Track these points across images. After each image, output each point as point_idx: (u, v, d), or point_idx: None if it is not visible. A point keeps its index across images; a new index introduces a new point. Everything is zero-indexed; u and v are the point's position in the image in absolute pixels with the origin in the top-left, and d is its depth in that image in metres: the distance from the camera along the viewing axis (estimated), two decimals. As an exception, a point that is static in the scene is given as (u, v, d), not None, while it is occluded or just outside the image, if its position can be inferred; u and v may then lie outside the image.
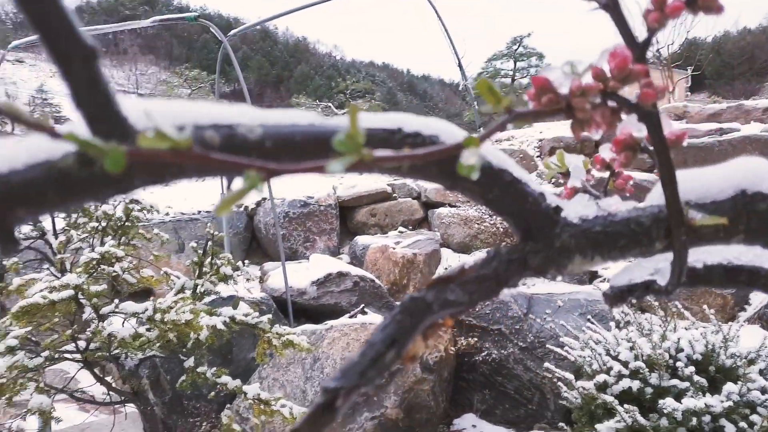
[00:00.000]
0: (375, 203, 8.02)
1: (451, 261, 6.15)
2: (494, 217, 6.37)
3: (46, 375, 3.71)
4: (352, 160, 0.37)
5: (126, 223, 2.96)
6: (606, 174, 0.86)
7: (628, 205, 0.64)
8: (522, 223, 0.57)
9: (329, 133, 0.48)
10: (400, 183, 8.28)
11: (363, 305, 4.85)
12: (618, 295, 0.68)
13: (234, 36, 6.70)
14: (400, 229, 7.51)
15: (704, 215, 0.55)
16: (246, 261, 4.00)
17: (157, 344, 2.61)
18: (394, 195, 8.29)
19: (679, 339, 3.40)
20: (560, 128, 10.90)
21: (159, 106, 0.39)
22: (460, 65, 6.00)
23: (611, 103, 0.53)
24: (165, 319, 2.53)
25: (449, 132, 0.54)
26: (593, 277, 5.36)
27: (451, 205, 7.33)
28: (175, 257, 5.71)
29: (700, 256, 0.69)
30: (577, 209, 0.60)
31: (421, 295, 0.50)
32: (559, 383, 3.67)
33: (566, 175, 0.84)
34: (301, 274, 5.22)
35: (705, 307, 4.09)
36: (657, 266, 0.69)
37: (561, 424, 3.84)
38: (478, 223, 6.38)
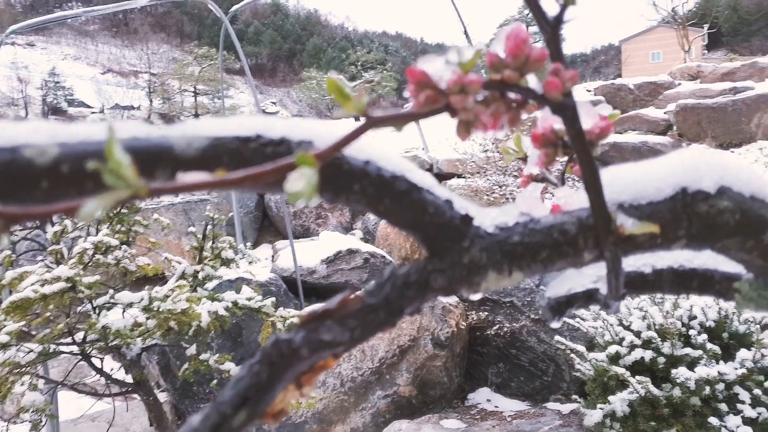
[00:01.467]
0: (387, 177, 7.90)
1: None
2: (504, 187, 6.25)
3: (57, 366, 3.74)
4: (117, 198, 0.30)
5: (122, 210, 2.93)
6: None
7: (582, 197, 0.56)
8: (425, 237, 0.50)
9: (155, 148, 0.40)
10: (412, 155, 8.17)
11: (373, 282, 4.81)
12: (555, 308, 0.60)
13: (236, 12, 6.59)
14: (413, 202, 7.42)
15: (635, 222, 0.47)
16: (248, 243, 3.97)
17: (158, 333, 2.59)
18: (406, 168, 8.16)
19: (691, 306, 3.31)
20: (575, 92, 10.56)
21: None
22: (465, 33, 5.83)
23: (513, 96, 0.45)
24: (161, 309, 2.50)
25: (328, 136, 0.47)
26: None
27: (459, 176, 7.22)
28: (185, 239, 5.71)
29: (650, 259, 0.61)
30: (494, 216, 0.52)
31: (289, 337, 0.43)
32: (572, 355, 3.61)
33: (525, 160, 0.76)
34: (311, 253, 5.18)
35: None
36: (600, 272, 0.61)
37: (575, 396, 3.79)
38: (487, 195, 6.27)
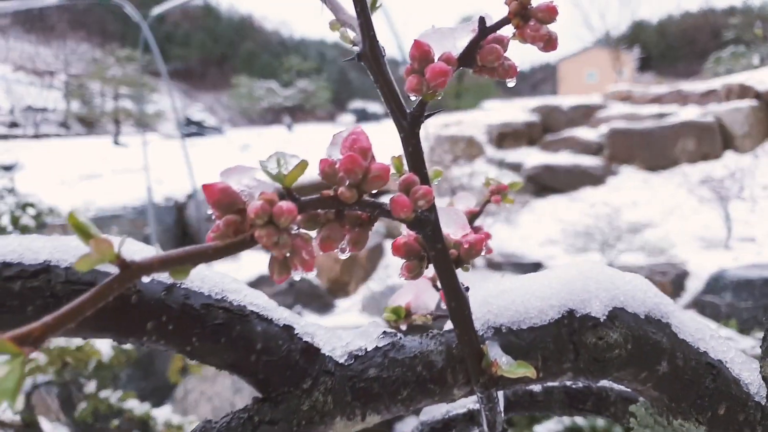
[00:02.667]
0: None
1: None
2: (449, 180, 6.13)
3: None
4: None
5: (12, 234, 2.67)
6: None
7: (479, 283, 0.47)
8: (254, 380, 0.39)
9: None
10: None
11: (299, 307, 4.67)
12: (429, 435, 0.51)
13: (160, 15, 6.32)
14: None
15: (510, 360, 0.39)
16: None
17: (52, 369, 2.37)
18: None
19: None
20: (510, 111, 10.71)
21: None
22: (399, 47, 5.81)
23: (357, 211, 0.35)
24: (52, 346, 2.29)
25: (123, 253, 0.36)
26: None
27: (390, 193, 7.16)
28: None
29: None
30: (349, 341, 0.43)
31: None
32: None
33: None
34: (232, 276, 4.95)
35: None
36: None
37: (505, 426, 3.78)
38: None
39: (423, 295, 0.68)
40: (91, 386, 2.66)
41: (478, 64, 0.35)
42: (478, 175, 7.81)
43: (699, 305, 4.12)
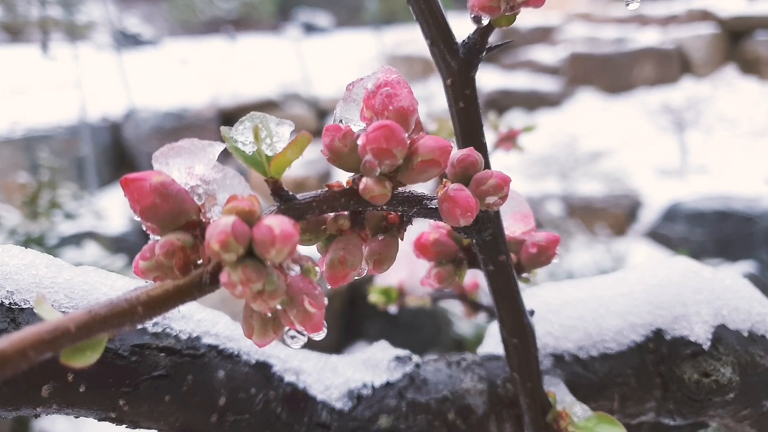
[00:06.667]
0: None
1: (343, 179, 5.81)
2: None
3: None
4: None
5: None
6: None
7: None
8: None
9: None
10: (291, 92, 7.66)
11: None
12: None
13: None
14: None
15: (584, 411, 0.27)
16: (94, 192, 3.47)
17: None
18: (280, 103, 7.66)
19: (571, 269, 3.39)
20: (466, 29, 10.28)
21: None
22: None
23: (383, 210, 0.22)
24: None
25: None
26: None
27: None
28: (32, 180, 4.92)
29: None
30: (349, 374, 0.30)
31: None
32: (450, 316, 3.63)
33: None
34: None
35: (597, 225, 4.15)
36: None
37: (453, 353, 3.87)
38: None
39: (419, 271, 0.56)
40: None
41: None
42: (436, 98, 7.57)
43: (653, 236, 4.23)
